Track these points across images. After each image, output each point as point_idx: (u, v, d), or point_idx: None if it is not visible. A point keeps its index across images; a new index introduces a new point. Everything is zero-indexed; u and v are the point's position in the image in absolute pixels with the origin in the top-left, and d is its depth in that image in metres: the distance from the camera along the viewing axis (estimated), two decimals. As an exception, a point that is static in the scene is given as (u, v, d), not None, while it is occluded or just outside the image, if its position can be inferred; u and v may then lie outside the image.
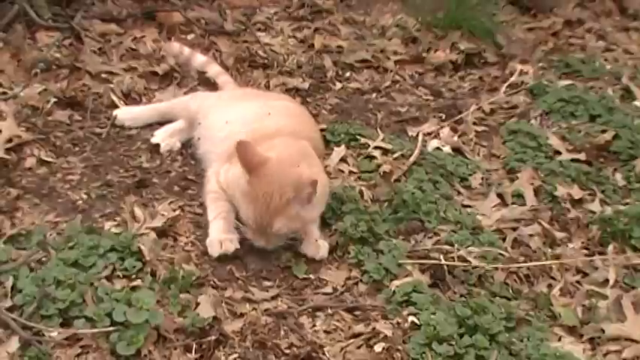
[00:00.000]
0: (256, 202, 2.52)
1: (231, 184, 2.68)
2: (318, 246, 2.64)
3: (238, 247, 2.57)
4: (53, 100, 3.23)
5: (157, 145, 3.09)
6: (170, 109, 3.27)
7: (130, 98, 3.41)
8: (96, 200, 2.79)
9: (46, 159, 2.97)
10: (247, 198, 2.55)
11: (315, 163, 2.76)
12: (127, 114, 3.26)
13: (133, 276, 2.40)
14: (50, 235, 2.55)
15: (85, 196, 2.80)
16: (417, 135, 3.41)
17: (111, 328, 2.17)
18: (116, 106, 3.32)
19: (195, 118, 3.12)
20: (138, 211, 2.69)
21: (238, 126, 2.91)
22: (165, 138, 3.10)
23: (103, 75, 3.48)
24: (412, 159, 3.17)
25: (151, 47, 3.76)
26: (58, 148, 3.04)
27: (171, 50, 3.63)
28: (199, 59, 3.62)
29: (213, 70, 3.58)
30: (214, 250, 2.56)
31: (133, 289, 2.32)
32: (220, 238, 2.58)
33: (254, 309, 2.41)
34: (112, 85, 3.41)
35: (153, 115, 3.28)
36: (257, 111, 3.00)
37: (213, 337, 2.24)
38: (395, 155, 3.20)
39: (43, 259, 2.42)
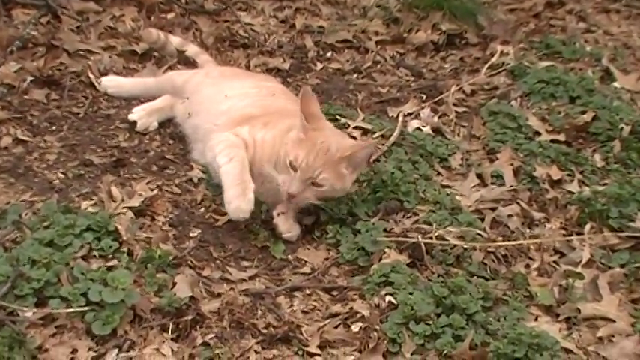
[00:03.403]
0: (311, 149, 2.54)
1: (267, 143, 2.68)
2: (291, 225, 2.65)
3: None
4: (30, 78, 3.20)
5: (134, 123, 3.06)
6: (155, 82, 3.28)
7: (108, 77, 3.38)
8: (73, 180, 2.77)
9: (23, 138, 2.94)
10: (300, 144, 2.56)
11: None
12: (111, 81, 3.29)
13: (110, 255, 2.39)
14: (26, 214, 2.53)
15: (61, 176, 2.78)
16: (398, 115, 3.41)
17: (86, 308, 2.16)
18: (94, 85, 3.29)
19: (181, 92, 3.11)
20: (115, 191, 2.67)
21: (243, 100, 2.93)
22: (142, 116, 3.08)
23: (81, 53, 3.45)
24: (392, 139, 3.17)
25: (130, 26, 3.73)
26: (35, 127, 3.02)
27: (149, 37, 3.58)
28: (175, 41, 3.59)
29: (192, 49, 3.56)
30: (234, 214, 2.54)
31: (110, 268, 2.31)
32: (240, 200, 2.53)
33: (231, 289, 2.41)
34: (90, 64, 3.37)
35: (137, 87, 3.29)
36: (257, 90, 3.02)
37: (190, 317, 2.24)
38: (375, 136, 3.20)
39: (18, 238, 2.40)
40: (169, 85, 3.19)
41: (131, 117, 3.08)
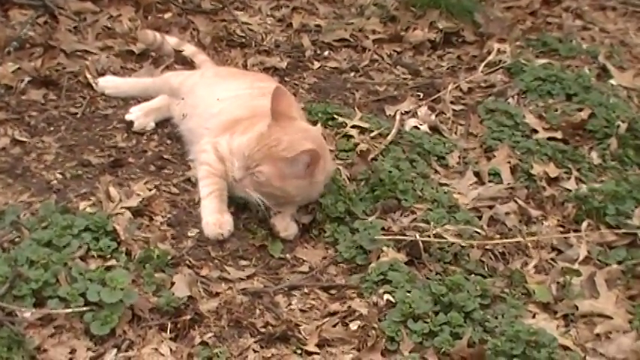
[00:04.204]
0: (261, 140, 2.56)
1: (237, 151, 2.67)
2: (288, 224, 2.65)
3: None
4: (27, 79, 3.20)
5: (132, 123, 3.07)
6: (152, 83, 3.28)
7: (105, 77, 3.38)
8: (71, 180, 2.77)
9: (20, 139, 2.94)
10: (258, 137, 2.58)
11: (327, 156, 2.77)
12: (108, 82, 3.29)
13: (108, 256, 2.39)
14: (24, 215, 2.53)
15: (59, 176, 2.78)
16: (395, 114, 3.41)
17: (85, 308, 2.17)
18: (91, 86, 3.29)
19: (178, 94, 3.12)
20: (113, 191, 2.67)
21: (234, 103, 2.93)
22: (139, 116, 3.08)
23: (78, 54, 3.45)
24: (389, 138, 3.17)
25: (127, 26, 3.72)
26: (33, 128, 3.01)
27: (145, 39, 3.57)
28: (172, 41, 3.58)
29: (190, 49, 3.56)
30: (212, 232, 2.58)
31: (108, 268, 2.31)
32: (217, 219, 2.59)
33: (230, 288, 2.42)
34: (87, 64, 3.37)
35: (134, 88, 3.29)
36: (250, 91, 3.01)
37: (188, 317, 2.25)
38: (372, 134, 3.20)
39: (16, 239, 2.40)
40: (166, 86, 3.19)
41: (128, 117, 3.08)
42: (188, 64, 3.52)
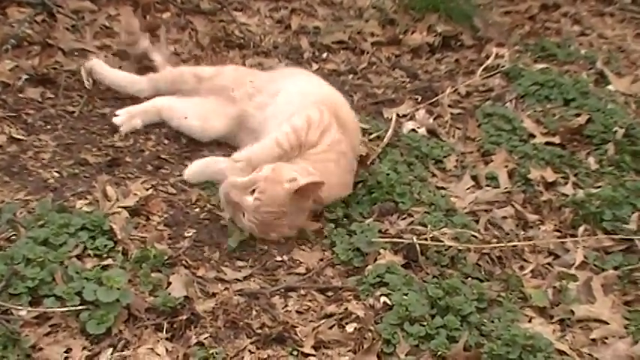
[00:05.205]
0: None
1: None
2: None
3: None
4: (25, 77, 3.19)
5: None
6: (148, 80, 3.22)
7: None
8: (67, 179, 2.76)
9: (17, 137, 2.93)
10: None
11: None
12: (99, 66, 3.25)
13: (104, 255, 2.39)
14: (20, 213, 2.52)
15: (56, 175, 2.77)
16: (393, 117, 3.41)
17: (81, 307, 2.16)
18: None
19: (206, 85, 3.11)
20: (110, 190, 2.66)
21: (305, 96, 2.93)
22: (125, 120, 3.05)
23: (76, 52, 3.44)
24: (387, 140, 3.17)
25: (125, 25, 3.71)
26: (30, 126, 3.00)
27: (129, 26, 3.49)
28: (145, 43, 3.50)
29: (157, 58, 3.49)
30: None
31: (104, 268, 2.31)
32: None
33: (226, 289, 2.41)
34: (85, 63, 3.36)
35: (128, 83, 3.23)
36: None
37: (184, 317, 2.24)
38: (370, 137, 3.20)
39: (13, 237, 2.40)
40: (187, 78, 3.16)
41: (115, 120, 3.05)
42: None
